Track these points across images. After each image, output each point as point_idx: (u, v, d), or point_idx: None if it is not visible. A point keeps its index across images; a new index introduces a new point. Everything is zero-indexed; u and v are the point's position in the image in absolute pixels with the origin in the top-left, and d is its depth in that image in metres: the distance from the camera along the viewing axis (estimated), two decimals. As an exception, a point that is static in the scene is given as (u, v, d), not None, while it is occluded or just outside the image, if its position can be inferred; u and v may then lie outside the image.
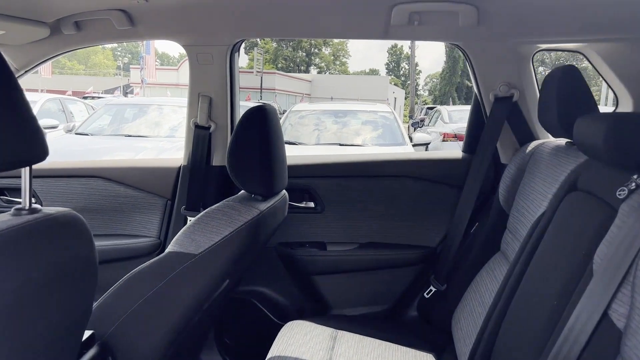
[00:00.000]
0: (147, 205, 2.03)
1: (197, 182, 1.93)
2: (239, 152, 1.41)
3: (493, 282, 1.54)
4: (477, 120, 1.96)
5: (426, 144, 6.36)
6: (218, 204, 1.38)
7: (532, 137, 1.81)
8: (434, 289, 1.88)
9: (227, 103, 1.93)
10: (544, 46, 1.74)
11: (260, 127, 1.41)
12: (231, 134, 1.94)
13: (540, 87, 1.55)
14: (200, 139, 1.93)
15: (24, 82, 1.84)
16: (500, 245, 1.67)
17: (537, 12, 1.56)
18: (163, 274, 1.25)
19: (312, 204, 2.05)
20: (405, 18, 1.60)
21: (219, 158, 1.98)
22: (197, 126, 1.92)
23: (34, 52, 1.85)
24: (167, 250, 1.29)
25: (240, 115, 1.47)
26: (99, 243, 1.99)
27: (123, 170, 2.05)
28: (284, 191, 1.66)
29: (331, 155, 2.16)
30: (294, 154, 2.03)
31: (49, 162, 2.44)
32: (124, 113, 6.79)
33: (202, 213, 1.35)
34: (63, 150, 5.43)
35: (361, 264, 2.02)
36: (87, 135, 6.10)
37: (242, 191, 1.54)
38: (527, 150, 1.65)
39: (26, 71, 1.93)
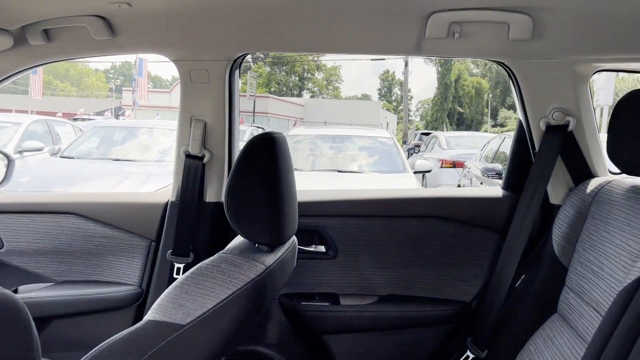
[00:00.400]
0: (128, 247, 1.76)
1: (187, 222, 1.66)
2: (241, 190, 1.12)
3: (555, 355, 1.25)
4: (521, 152, 1.69)
5: (427, 171, 6.23)
6: (212, 258, 1.09)
7: (589, 174, 1.54)
8: (471, 355, 1.58)
9: (224, 129, 1.66)
10: (605, 65, 1.49)
11: (268, 160, 1.12)
12: (229, 165, 1.69)
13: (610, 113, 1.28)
14: (192, 170, 1.66)
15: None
16: (557, 305, 1.38)
17: (601, 24, 1.30)
18: (141, 350, 0.96)
19: (322, 248, 1.77)
20: (444, 30, 1.34)
21: (213, 193, 1.70)
22: (188, 155, 1.66)
23: None
24: (146, 318, 1.00)
25: (240, 143, 1.18)
26: (70, 292, 1.73)
27: (100, 205, 1.79)
28: (293, 236, 1.37)
29: (345, 190, 1.89)
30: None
31: (14, 195, 2.15)
32: (113, 136, 6.67)
33: (192, 270, 1.06)
34: (46, 175, 5.31)
35: (381, 322, 1.73)
36: (72, 158, 5.95)
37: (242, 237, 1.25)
38: (588, 190, 1.38)
39: None
